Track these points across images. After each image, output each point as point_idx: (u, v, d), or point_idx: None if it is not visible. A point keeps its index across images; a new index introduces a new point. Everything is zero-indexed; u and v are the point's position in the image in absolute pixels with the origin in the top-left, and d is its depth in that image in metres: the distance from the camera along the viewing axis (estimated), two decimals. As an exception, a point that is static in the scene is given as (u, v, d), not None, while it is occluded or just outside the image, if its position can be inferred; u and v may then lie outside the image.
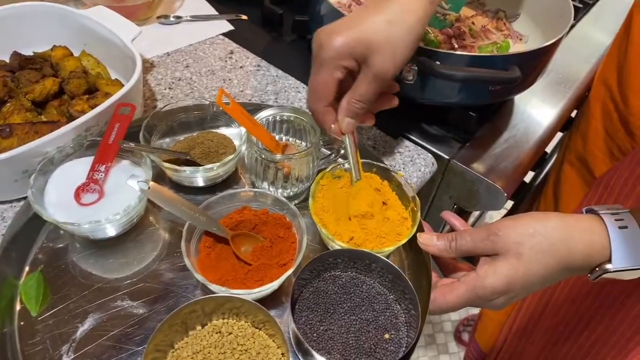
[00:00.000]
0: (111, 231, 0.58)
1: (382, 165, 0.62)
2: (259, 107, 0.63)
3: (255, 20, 0.95)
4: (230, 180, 0.67)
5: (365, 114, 0.58)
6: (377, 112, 0.60)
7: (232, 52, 0.87)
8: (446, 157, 0.75)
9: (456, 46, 0.79)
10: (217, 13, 0.96)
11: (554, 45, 0.72)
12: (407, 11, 0.53)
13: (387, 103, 0.60)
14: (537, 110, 0.86)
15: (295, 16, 0.91)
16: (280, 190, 0.62)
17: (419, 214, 0.57)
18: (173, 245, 0.59)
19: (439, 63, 0.63)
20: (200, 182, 0.65)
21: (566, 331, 0.83)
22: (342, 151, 0.64)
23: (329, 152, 0.66)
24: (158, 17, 0.92)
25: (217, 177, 0.65)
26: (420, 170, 0.72)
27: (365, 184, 0.59)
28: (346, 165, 0.60)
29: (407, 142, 0.76)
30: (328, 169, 0.60)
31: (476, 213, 1.22)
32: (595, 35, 1.06)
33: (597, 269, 0.47)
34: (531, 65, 0.72)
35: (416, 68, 0.67)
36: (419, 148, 0.75)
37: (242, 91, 0.80)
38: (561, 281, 0.86)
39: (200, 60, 0.84)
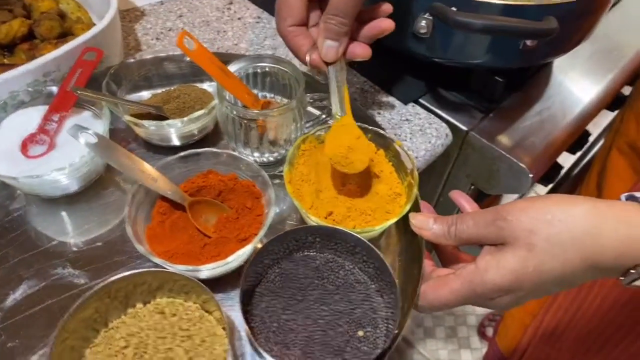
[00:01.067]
0: (61, 189, 0.51)
1: (378, 130, 0.52)
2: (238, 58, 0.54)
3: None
4: (208, 140, 0.59)
5: (356, 44, 0.48)
6: (373, 43, 0.51)
7: (231, 2, 0.78)
8: (464, 128, 0.64)
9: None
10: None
11: (606, 1, 0.59)
12: None
13: (379, 28, 0.50)
14: (578, 82, 0.73)
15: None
16: (256, 155, 0.53)
17: (415, 189, 0.47)
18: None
19: (455, 9, 0.52)
20: (175, 141, 0.57)
21: (599, 341, 0.72)
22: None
23: (319, 113, 0.56)
24: (157, -36, 0.84)
25: (190, 135, 0.57)
26: (430, 142, 0.62)
27: (351, 123, 0.49)
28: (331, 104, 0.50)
29: (418, 109, 0.65)
30: (312, 132, 0.51)
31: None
32: (660, -1, 0.91)
33: (632, 271, 0.36)
34: (574, 22, 0.60)
35: (430, 18, 0.56)
36: (432, 116, 0.64)
37: (236, 44, 0.71)
38: (595, 282, 0.74)
39: (196, 10, 0.76)
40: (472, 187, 0.69)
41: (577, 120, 0.69)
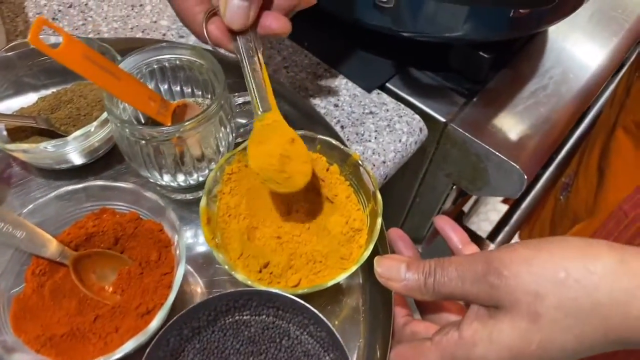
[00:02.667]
0: None
1: (327, 139, 0.39)
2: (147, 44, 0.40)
3: None
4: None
5: (269, 14, 0.35)
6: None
7: (150, -33, 0.62)
8: (442, 119, 0.52)
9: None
10: None
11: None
12: None
13: None
14: (580, 47, 0.61)
15: None
16: (180, 179, 0.40)
17: (379, 221, 0.35)
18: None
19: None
20: (74, 160, 0.44)
21: None
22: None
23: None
24: None
25: (93, 151, 0.43)
26: (400, 141, 0.49)
27: (279, 120, 0.36)
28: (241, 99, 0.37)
29: (385, 98, 0.52)
30: (241, 147, 0.38)
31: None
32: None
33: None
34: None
35: (393, -18, 0.43)
36: (401, 106, 0.52)
37: (155, 22, 0.56)
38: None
39: (105, -21, 0.60)
40: (453, 187, 0.57)
41: (582, 93, 0.56)
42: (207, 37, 0.36)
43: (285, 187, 0.35)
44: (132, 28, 0.55)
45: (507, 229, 0.77)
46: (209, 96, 0.43)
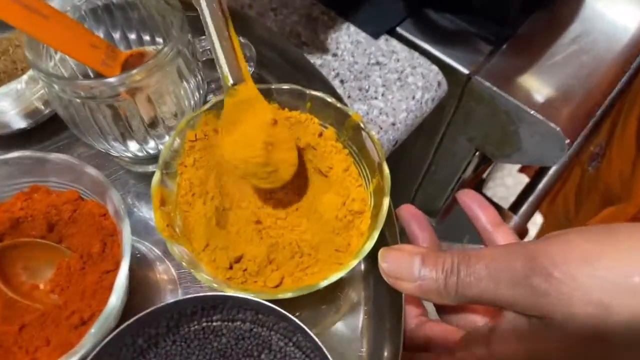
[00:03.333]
0: None
1: (320, 95, 0.30)
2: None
3: None
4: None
5: None
6: None
7: None
8: (465, 70, 0.42)
9: None
10: None
11: None
12: None
13: None
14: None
15: None
16: (133, 148, 0.32)
17: (385, 202, 0.27)
18: None
19: None
20: (14, 124, 0.35)
21: None
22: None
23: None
24: None
25: (34, 111, 0.35)
26: (414, 98, 0.40)
27: (255, 96, 0.28)
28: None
29: (395, 45, 0.43)
30: (208, 106, 0.30)
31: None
32: None
33: None
34: None
35: None
36: (415, 55, 0.42)
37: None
38: None
39: None
40: (476, 152, 0.49)
41: (633, 41, 0.47)
42: None
43: (270, 182, 0.27)
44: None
45: (531, 199, 0.68)
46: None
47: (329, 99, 0.30)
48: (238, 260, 0.27)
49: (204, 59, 0.32)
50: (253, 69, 0.33)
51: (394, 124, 0.39)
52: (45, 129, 0.36)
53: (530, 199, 0.68)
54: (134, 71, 0.27)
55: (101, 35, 0.33)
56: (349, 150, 0.31)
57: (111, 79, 0.27)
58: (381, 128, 0.38)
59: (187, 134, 0.29)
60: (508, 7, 0.43)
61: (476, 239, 0.70)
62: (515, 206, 0.68)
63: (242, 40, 0.31)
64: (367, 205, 0.29)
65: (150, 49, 0.35)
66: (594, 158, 0.77)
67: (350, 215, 0.28)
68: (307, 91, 0.30)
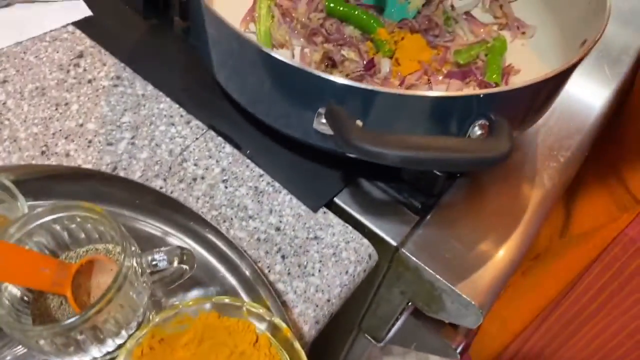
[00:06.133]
0: None
1: (255, 310, 0.34)
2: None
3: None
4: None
5: None
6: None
7: (81, 55, 0.57)
8: (393, 242, 0.48)
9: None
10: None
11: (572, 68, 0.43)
12: None
13: None
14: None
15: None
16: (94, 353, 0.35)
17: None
18: None
19: (360, 124, 0.34)
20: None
21: None
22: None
23: (163, 262, 0.37)
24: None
25: None
26: (347, 272, 0.45)
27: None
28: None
29: (331, 218, 0.48)
30: (154, 323, 0.33)
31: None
32: None
33: None
34: (537, 101, 0.44)
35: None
36: (349, 229, 0.47)
37: (81, 125, 0.51)
38: (600, 309, 0.68)
39: (28, 71, 0.55)
40: (409, 303, 0.53)
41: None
42: None
43: None
44: (54, 133, 0.50)
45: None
46: (123, 243, 0.38)
47: (260, 311, 0.34)
48: None
49: (154, 256, 0.36)
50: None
51: (329, 300, 0.43)
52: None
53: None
54: (92, 310, 0.30)
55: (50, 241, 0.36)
56: (281, 355, 0.35)
57: (69, 321, 0.30)
58: (317, 305, 0.43)
59: (134, 352, 0.32)
60: (433, 183, 0.49)
61: (423, 346, 0.74)
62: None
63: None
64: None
65: (100, 247, 0.38)
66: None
67: None
68: (244, 305, 0.34)
